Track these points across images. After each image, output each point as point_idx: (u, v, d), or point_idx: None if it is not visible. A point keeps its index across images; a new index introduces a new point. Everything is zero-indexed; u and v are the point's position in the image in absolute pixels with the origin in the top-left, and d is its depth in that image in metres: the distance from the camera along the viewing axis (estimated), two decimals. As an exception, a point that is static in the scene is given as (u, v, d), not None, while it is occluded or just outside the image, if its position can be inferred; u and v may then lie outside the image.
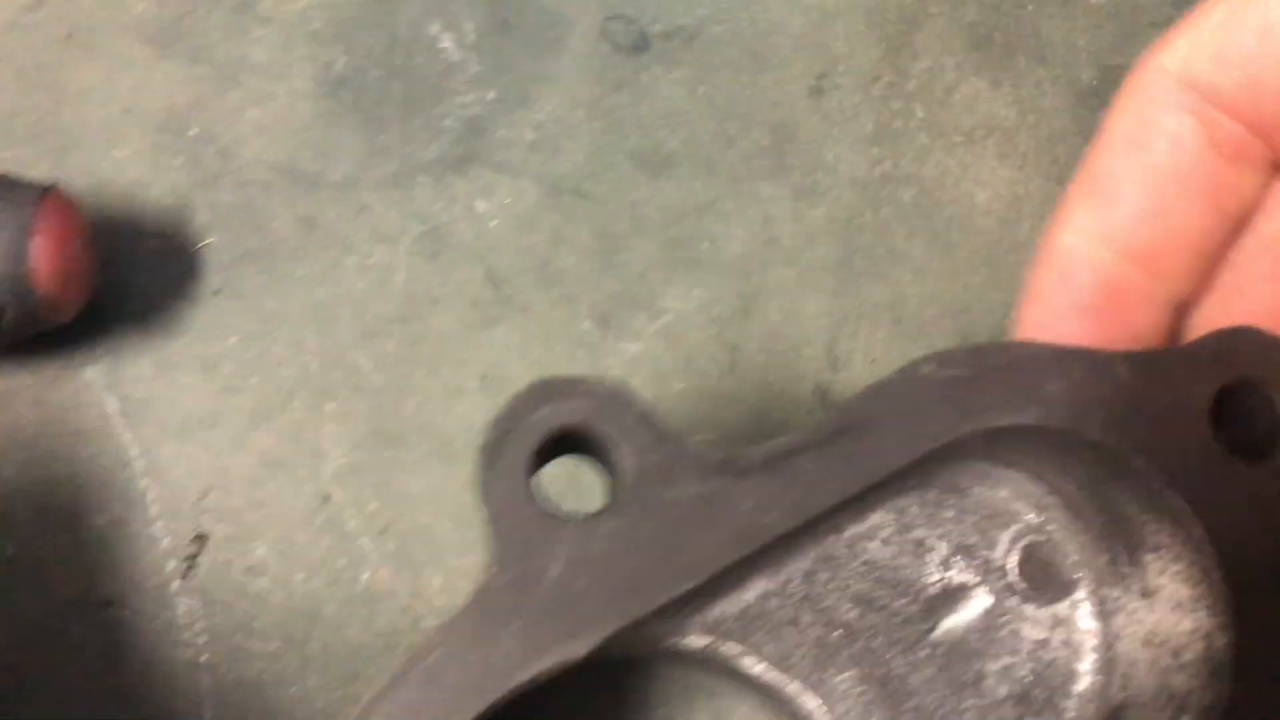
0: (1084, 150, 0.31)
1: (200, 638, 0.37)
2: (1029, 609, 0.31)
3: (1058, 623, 0.31)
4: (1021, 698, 0.31)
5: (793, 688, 0.30)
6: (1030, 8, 0.48)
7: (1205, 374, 0.28)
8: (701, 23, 0.46)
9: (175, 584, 0.37)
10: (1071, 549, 0.31)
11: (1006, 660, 0.31)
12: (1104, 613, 0.30)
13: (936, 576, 0.31)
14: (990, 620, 0.31)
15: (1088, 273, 0.30)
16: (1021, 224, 0.45)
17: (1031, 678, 0.31)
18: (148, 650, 0.36)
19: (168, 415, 0.39)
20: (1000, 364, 0.27)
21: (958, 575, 0.31)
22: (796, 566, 0.30)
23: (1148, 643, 0.29)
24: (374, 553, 0.38)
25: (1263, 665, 0.27)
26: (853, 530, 0.31)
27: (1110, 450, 0.28)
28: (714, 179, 0.45)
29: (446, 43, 0.45)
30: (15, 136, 0.41)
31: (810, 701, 0.30)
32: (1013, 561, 0.31)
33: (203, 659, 0.36)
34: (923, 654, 0.31)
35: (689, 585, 0.25)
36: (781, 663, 0.30)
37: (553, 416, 0.25)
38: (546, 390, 0.26)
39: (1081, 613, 0.31)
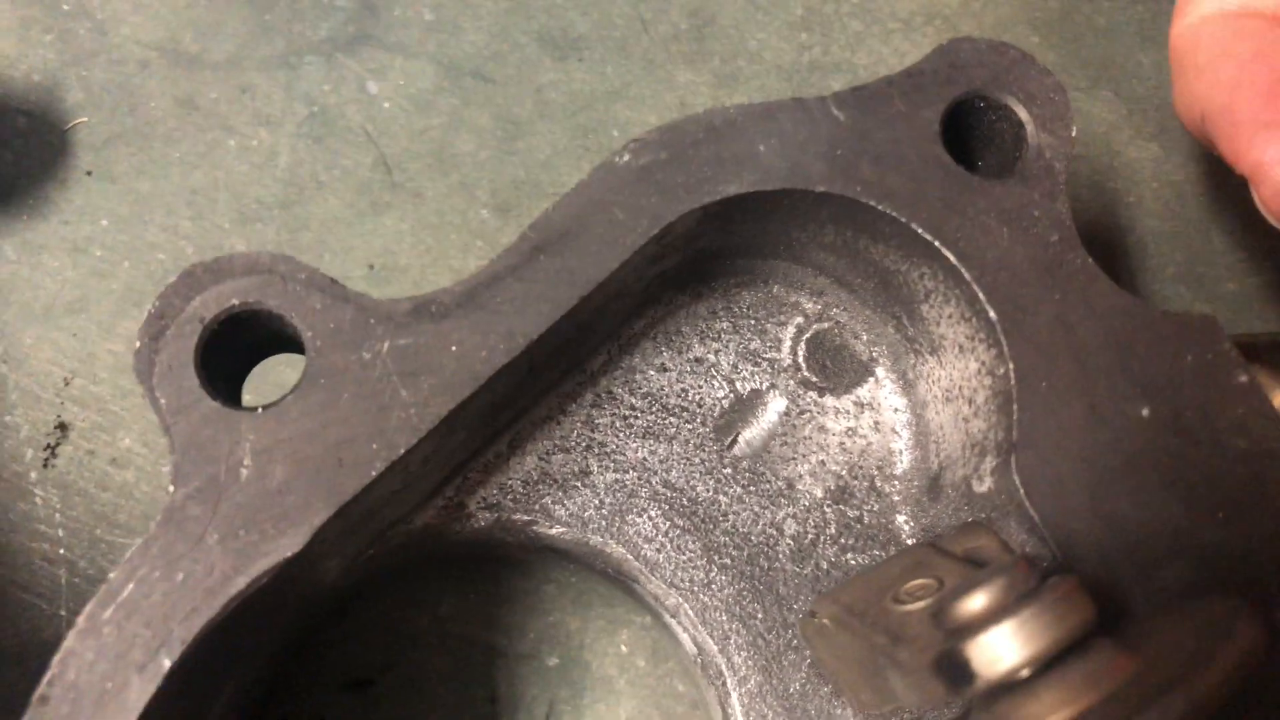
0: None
1: (58, 530, 0.35)
2: (829, 400, 0.30)
3: (863, 408, 0.29)
4: (840, 493, 0.29)
5: (595, 541, 0.28)
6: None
7: (930, 95, 0.26)
8: (617, -101, 0.43)
9: (34, 474, 0.35)
10: (859, 326, 0.29)
11: (816, 458, 0.29)
12: (907, 384, 0.29)
13: (724, 391, 0.29)
14: (790, 422, 0.29)
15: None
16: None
17: (846, 470, 0.29)
18: (1, 541, 0.34)
19: (31, 299, 0.37)
20: (699, 137, 0.25)
21: (746, 384, 0.29)
22: (573, 416, 0.29)
23: (948, 399, 0.28)
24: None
25: (1041, 379, 0.25)
26: (625, 364, 0.29)
27: (843, 201, 0.25)
28: (627, 63, 0.42)
29: (344, -81, 0.42)
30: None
31: (615, 551, 0.28)
32: (801, 355, 0.29)
33: (60, 551, 0.34)
34: (726, 472, 0.29)
35: (404, 447, 0.23)
36: (576, 519, 0.28)
37: (213, 302, 0.23)
38: (198, 276, 0.23)
39: (885, 391, 0.30)
